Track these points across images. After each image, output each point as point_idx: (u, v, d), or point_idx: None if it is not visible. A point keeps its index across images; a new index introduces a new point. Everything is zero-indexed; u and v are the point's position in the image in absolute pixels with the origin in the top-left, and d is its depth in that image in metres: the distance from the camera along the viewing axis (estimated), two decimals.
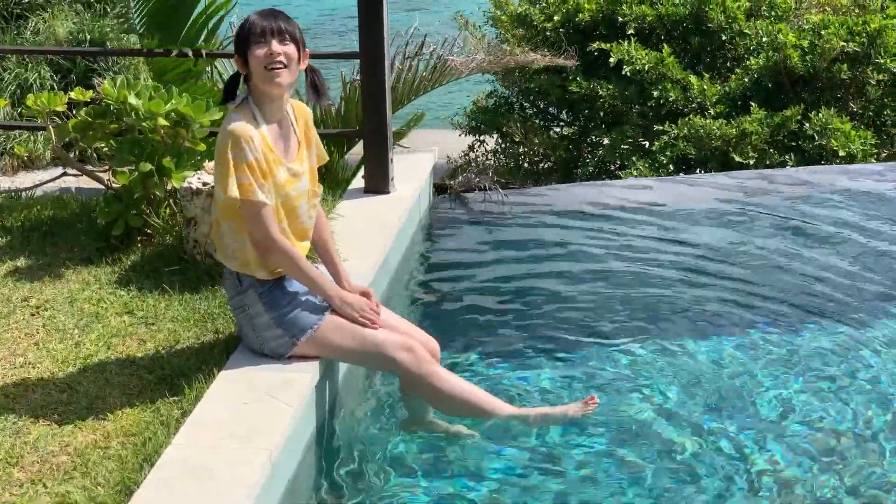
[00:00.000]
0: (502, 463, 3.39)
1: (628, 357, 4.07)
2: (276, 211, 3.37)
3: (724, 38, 7.55)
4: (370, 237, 4.54)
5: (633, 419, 3.63)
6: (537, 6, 8.08)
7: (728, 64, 7.75)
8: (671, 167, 6.89)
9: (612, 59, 7.26)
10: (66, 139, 4.88)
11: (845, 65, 6.98)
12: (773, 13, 7.72)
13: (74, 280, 4.22)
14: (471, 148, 8.18)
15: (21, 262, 4.41)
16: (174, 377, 3.45)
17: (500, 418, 3.51)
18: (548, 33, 7.81)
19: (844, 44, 6.92)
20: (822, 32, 7.00)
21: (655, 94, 7.17)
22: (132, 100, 4.37)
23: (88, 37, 8.45)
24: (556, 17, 7.78)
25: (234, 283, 3.45)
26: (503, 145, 8.14)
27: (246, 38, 3.30)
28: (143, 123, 4.37)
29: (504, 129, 7.98)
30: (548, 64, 6.66)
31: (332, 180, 5.46)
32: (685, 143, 6.89)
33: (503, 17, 8.18)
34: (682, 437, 3.52)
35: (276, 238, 3.33)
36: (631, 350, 4.13)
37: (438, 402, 3.49)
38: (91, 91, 4.80)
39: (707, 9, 7.47)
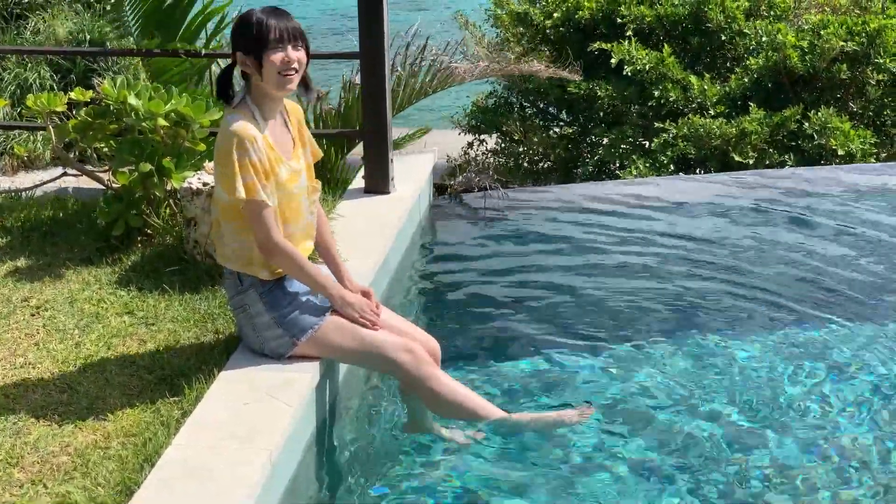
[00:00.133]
0: (502, 465, 3.38)
1: (631, 354, 4.07)
2: (281, 210, 3.37)
3: (723, 37, 7.55)
4: (370, 237, 4.55)
5: (634, 418, 3.62)
6: (537, 5, 8.08)
7: (728, 64, 7.75)
8: (671, 167, 6.89)
9: (613, 60, 7.26)
10: (66, 139, 4.88)
11: (845, 65, 6.98)
12: (772, 13, 7.72)
13: (75, 280, 4.22)
14: (470, 145, 8.18)
15: (21, 262, 4.41)
16: (174, 377, 3.45)
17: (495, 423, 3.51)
18: (548, 31, 7.81)
19: (844, 44, 6.91)
20: (822, 32, 7.00)
21: (656, 94, 7.17)
22: (132, 100, 4.37)
23: (88, 37, 8.45)
24: (556, 14, 7.77)
25: (234, 283, 3.45)
26: (503, 145, 8.14)
27: (260, 39, 3.26)
28: (143, 124, 4.38)
29: (504, 129, 7.98)
30: (551, 76, 6.66)
31: (333, 180, 5.46)
32: (685, 143, 6.89)
33: (503, 17, 8.18)
34: (686, 431, 3.52)
35: (278, 240, 3.33)
36: (634, 347, 4.13)
37: (436, 405, 3.49)
38: (91, 91, 4.80)
39: (706, 9, 7.47)
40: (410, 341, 3.48)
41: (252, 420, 3.10)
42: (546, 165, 8.00)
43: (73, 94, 4.74)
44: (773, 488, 3.26)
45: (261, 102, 3.37)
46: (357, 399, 3.80)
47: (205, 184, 4.16)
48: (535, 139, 7.83)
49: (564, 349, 4.13)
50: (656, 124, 7.12)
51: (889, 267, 4.86)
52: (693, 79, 7.23)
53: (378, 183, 5.10)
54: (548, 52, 7.67)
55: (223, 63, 6.12)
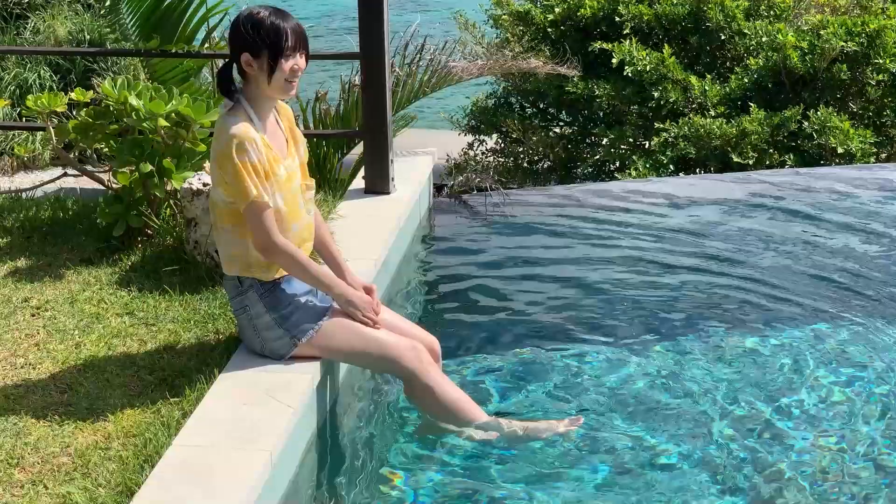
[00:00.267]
0: (504, 466, 3.39)
1: (631, 355, 4.07)
2: (284, 210, 3.37)
3: (723, 37, 7.55)
4: (370, 238, 4.55)
5: (637, 416, 3.63)
6: (538, 5, 8.08)
7: (727, 64, 7.76)
8: (671, 167, 6.90)
9: (614, 60, 7.26)
10: (67, 139, 4.88)
11: (845, 65, 6.99)
12: (771, 13, 7.73)
13: (75, 281, 4.22)
14: (469, 146, 8.19)
15: (21, 262, 4.41)
16: (175, 378, 3.45)
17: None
18: (548, 29, 7.81)
19: (844, 44, 6.92)
20: (822, 33, 7.01)
21: (656, 94, 7.18)
22: (132, 100, 4.36)
23: (88, 37, 8.45)
24: (556, 10, 7.77)
25: (234, 284, 3.45)
26: (502, 145, 8.14)
27: (277, 44, 3.24)
28: (144, 124, 4.37)
29: (503, 129, 7.98)
30: (549, 72, 6.65)
31: (332, 181, 5.46)
32: (685, 143, 6.89)
33: (504, 17, 8.18)
34: (693, 433, 3.53)
35: (278, 240, 3.33)
36: (636, 344, 4.14)
37: (433, 406, 3.49)
38: (91, 91, 4.80)
39: (706, 8, 7.47)
40: (412, 341, 3.49)
41: (252, 421, 3.10)
42: (546, 165, 8.01)
43: (73, 95, 4.74)
44: (785, 487, 3.24)
45: (256, 102, 3.37)
46: (357, 399, 3.80)
47: (205, 184, 4.16)
48: (535, 139, 7.84)
49: (565, 347, 4.13)
50: (656, 124, 7.13)
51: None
52: (694, 79, 7.23)
53: (378, 183, 5.10)
54: (547, 52, 7.68)
55: (221, 63, 6.12)
